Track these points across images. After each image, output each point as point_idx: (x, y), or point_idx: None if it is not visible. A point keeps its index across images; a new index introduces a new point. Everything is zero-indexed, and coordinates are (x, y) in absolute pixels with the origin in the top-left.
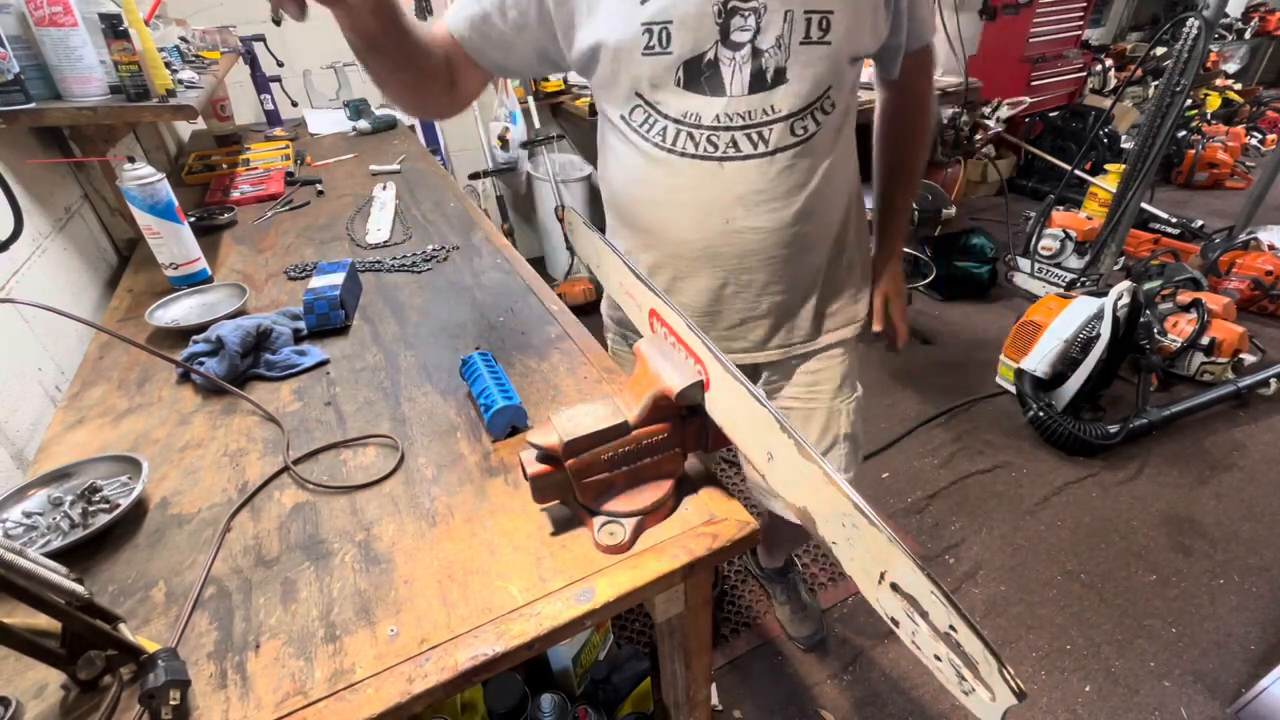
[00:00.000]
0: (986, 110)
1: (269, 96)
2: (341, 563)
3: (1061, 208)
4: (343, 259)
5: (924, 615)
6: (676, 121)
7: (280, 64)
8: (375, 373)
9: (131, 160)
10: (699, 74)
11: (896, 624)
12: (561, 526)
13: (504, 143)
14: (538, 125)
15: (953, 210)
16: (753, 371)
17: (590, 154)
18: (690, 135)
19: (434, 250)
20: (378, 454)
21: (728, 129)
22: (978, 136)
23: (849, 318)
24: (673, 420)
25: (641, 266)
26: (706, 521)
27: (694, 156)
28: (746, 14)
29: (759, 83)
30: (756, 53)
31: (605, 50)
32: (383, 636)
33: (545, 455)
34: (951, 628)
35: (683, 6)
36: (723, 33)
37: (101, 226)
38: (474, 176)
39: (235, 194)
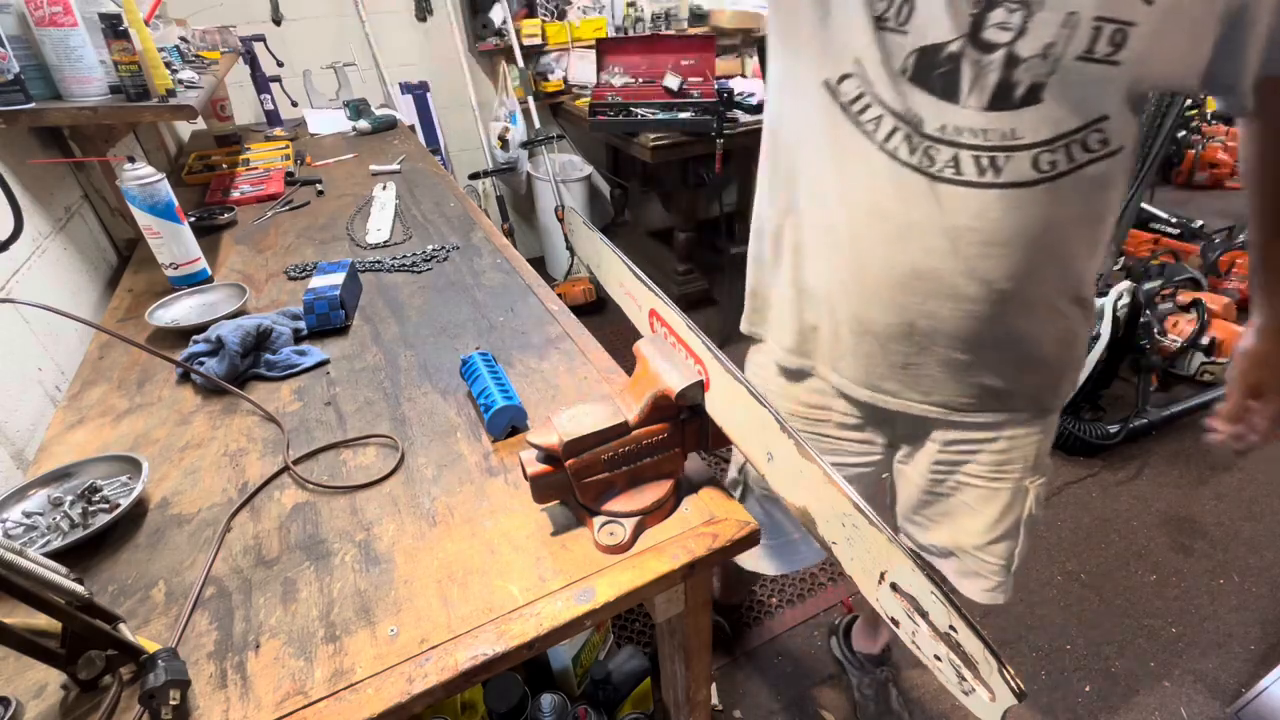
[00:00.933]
0: None
1: (269, 96)
2: (342, 563)
3: None
4: (343, 259)
5: (924, 615)
6: (895, 115)
7: (280, 64)
8: (375, 373)
9: (131, 160)
10: (932, 68)
11: (897, 624)
12: (562, 526)
13: (504, 143)
14: (538, 125)
15: None
16: (918, 425)
17: (590, 154)
18: (907, 138)
19: (434, 250)
20: (378, 454)
21: (952, 144)
22: None
23: (1055, 390)
24: (673, 420)
25: (790, 269)
26: (706, 521)
27: (904, 164)
28: (1013, 7)
29: (1003, 98)
30: (1012, 61)
31: None
32: (383, 636)
33: (545, 455)
34: (951, 628)
35: None
36: (975, 25)
37: (101, 227)
38: (474, 176)
39: (235, 194)
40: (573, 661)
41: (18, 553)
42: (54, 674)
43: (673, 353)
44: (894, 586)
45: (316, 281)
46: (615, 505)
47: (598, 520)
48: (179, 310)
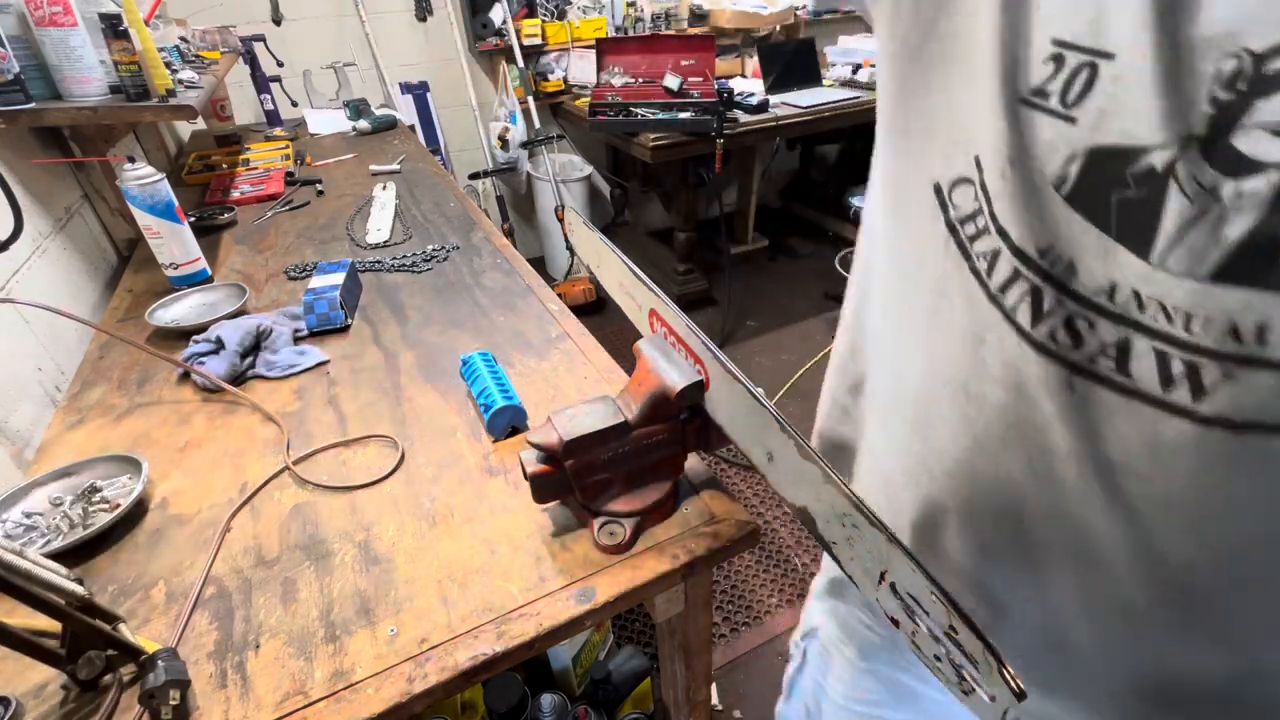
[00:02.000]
0: None
1: (269, 96)
2: (341, 563)
3: None
4: (343, 259)
5: (924, 615)
6: (1025, 260)
7: (280, 64)
8: (375, 373)
9: (132, 160)
10: (1110, 186)
11: (897, 624)
12: (562, 527)
13: (504, 143)
14: (538, 125)
15: None
16: None
17: (590, 154)
18: (1036, 295)
19: (434, 250)
20: (378, 454)
21: (1124, 322)
22: None
23: None
24: (673, 420)
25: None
26: (706, 522)
27: (1026, 336)
28: None
29: (1247, 261)
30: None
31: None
32: (383, 636)
33: (545, 455)
34: (952, 628)
35: (1135, 34)
36: (1217, 125)
37: (101, 227)
38: (474, 176)
39: (235, 194)
40: (573, 661)
41: (17, 553)
42: (54, 674)
43: (673, 353)
44: (893, 587)
45: (316, 281)
46: (615, 505)
47: (598, 520)
48: (179, 310)
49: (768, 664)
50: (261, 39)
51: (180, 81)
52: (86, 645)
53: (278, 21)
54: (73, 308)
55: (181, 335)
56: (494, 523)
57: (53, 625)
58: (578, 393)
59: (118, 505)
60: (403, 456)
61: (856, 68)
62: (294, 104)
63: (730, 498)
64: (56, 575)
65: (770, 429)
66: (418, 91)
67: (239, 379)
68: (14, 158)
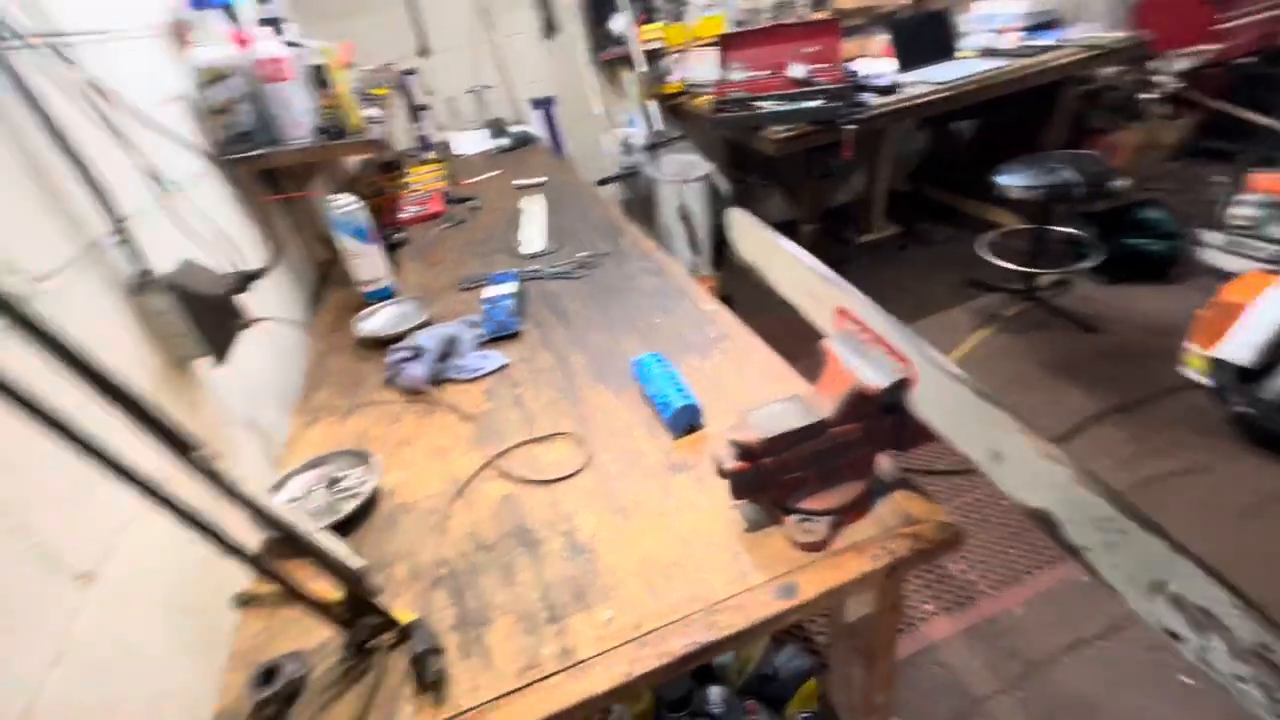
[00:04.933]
0: (1158, 65)
1: (421, 123)
2: (550, 550)
3: (1262, 170)
4: (508, 270)
5: (1221, 631)
6: None
7: (430, 92)
8: (551, 373)
9: (337, 193)
10: None
11: (1176, 638)
12: (754, 523)
13: (627, 147)
14: (659, 127)
15: (1123, 183)
16: None
17: (709, 152)
18: None
19: (586, 257)
20: (566, 449)
21: None
22: (1148, 96)
23: None
24: (868, 419)
25: None
26: (905, 523)
27: None
28: None
29: None
30: None
31: None
32: (600, 620)
33: (742, 452)
34: (1264, 646)
35: None
36: None
37: (305, 251)
38: (602, 183)
39: (403, 215)
40: (733, 657)
41: (314, 532)
42: (329, 635)
43: (868, 350)
44: (1176, 599)
45: (490, 291)
46: (809, 503)
47: (792, 517)
48: (378, 321)
49: (924, 672)
50: (414, 72)
51: (367, 119)
52: (361, 613)
53: (424, 54)
54: (274, 306)
55: (379, 344)
56: (684, 518)
57: (335, 595)
58: (745, 391)
59: (358, 494)
60: (590, 454)
61: (997, 33)
62: (440, 128)
63: (927, 499)
64: (343, 550)
65: (999, 425)
66: (546, 105)
67: (436, 382)
68: (245, 197)
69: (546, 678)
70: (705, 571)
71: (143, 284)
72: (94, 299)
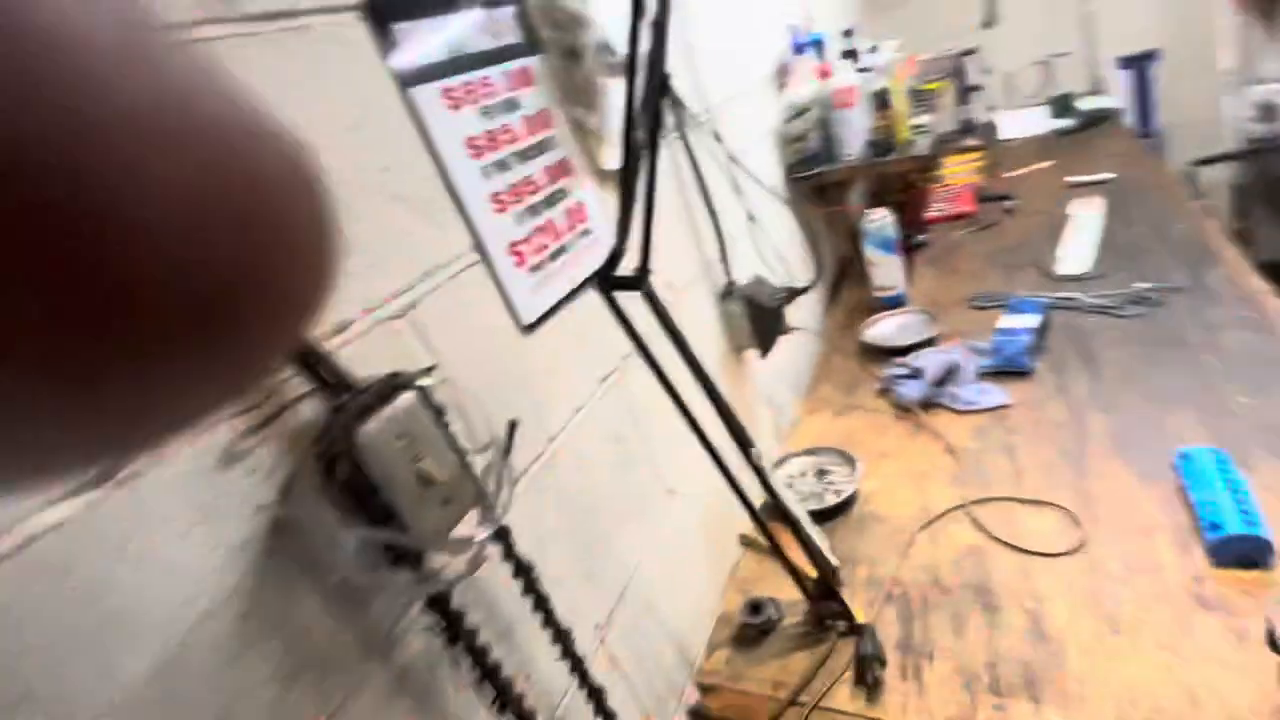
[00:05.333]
0: None
1: (968, 105)
2: (1009, 622)
3: None
4: (1034, 296)
5: None
6: None
7: (987, 71)
8: (1056, 429)
9: (868, 194)
10: None
11: None
12: None
13: (1270, 111)
14: None
15: None
16: None
17: None
18: None
19: (1146, 290)
20: (1054, 523)
21: None
22: None
23: None
24: None
25: None
26: None
27: None
28: None
29: None
30: None
31: None
32: (1048, 718)
33: None
34: None
35: None
36: None
37: (830, 246)
38: (1203, 162)
39: (928, 214)
40: None
41: (805, 520)
42: (798, 599)
43: None
44: None
45: (1008, 321)
46: None
47: None
48: (883, 330)
49: None
50: (973, 52)
51: (914, 129)
52: (827, 596)
53: (989, 24)
54: (806, 319)
55: (881, 352)
56: (1200, 669)
57: (808, 568)
58: None
59: (840, 491)
60: (1084, 540)
61: None
62: (989, 110)
63: None
64: (824, 544)
65: None
66: (1141, 64)
67: (928, 403)
68: (798, 211)
69: None
70: None
71: (727, 293)
72: (701, 302)
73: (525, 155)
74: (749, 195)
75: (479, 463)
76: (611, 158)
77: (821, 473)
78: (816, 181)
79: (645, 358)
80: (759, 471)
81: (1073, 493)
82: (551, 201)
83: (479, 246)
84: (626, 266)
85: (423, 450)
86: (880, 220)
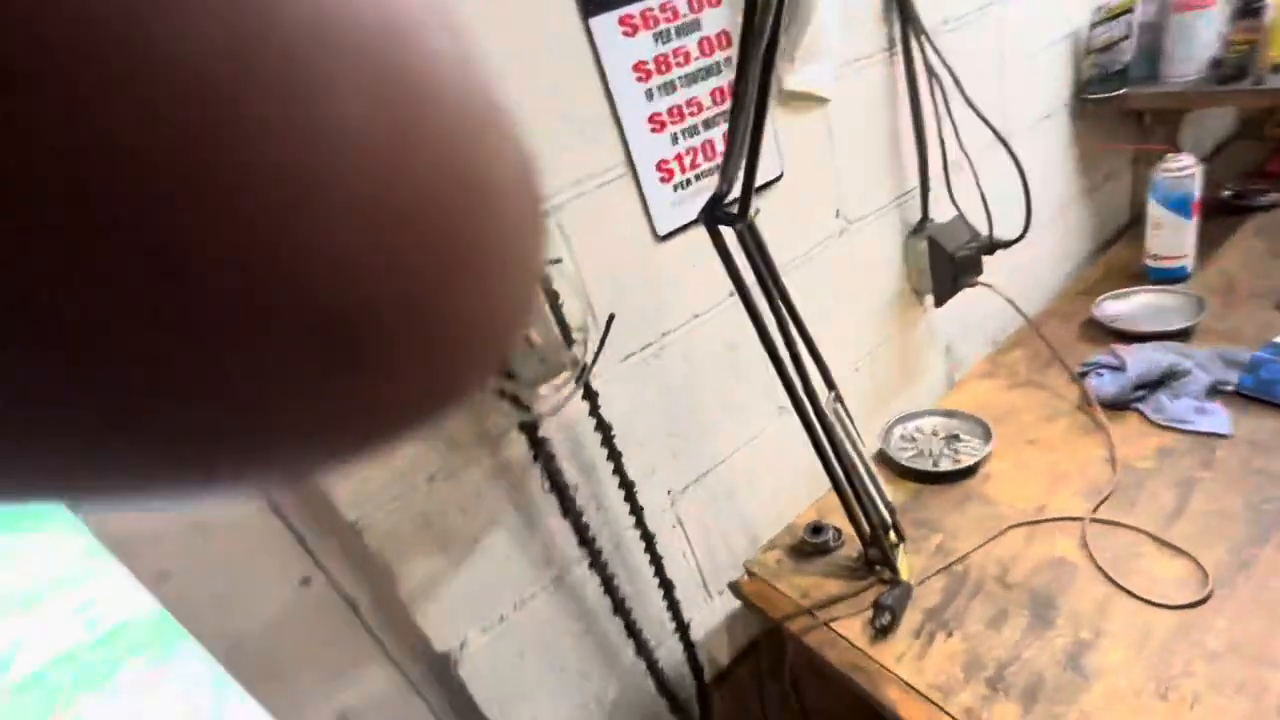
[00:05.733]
0: None
1: None
2: (1050, 639)
3: None
4: None
5: None
6: None
7: None
8: (1263, 484)
9: (1177, 152)
10: None
11: None
12: None
13: None
14: None
15: None
16: None
17: None
18: None
19: None
20: (1180, 575)
21: None
22: None
23: None
24: None
25: None
26: None
27: None
28: None
29: None
30: None
31: None
32: None
33: None
34: None
35: None
36: None
37: (1131, 192)
38: None
39: None
40: None
41: (868, 465)
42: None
43: None
44: None
45: None
46: None
47: None
48: (1125, 307)
49: None
50: None
51: None
52: (877, 543)
53: None
54: (1059, 271)
55: (1108, 333)
56: None
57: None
58: None
59: (959, 460)
60: (1207, 598)
61: None
62: None
63: None
64: (881, 491)
65: None
66: None
67: (1122, 404)
68: (1082, 141)
69: (943, 711)
70: None
71: (916, 230)
72: (882, 235)
73: (694, 78)
74: (1005, 117)
75: (580, 339)
76: (799, 78)
77: (953, 438)
78: (1121, 106)
79: (742, 298)
80: (816, 407)
81: (1224, 554)
82: (712, 123)
83: (629, 162)
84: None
85: (531, 319)
86: (1180, 169)
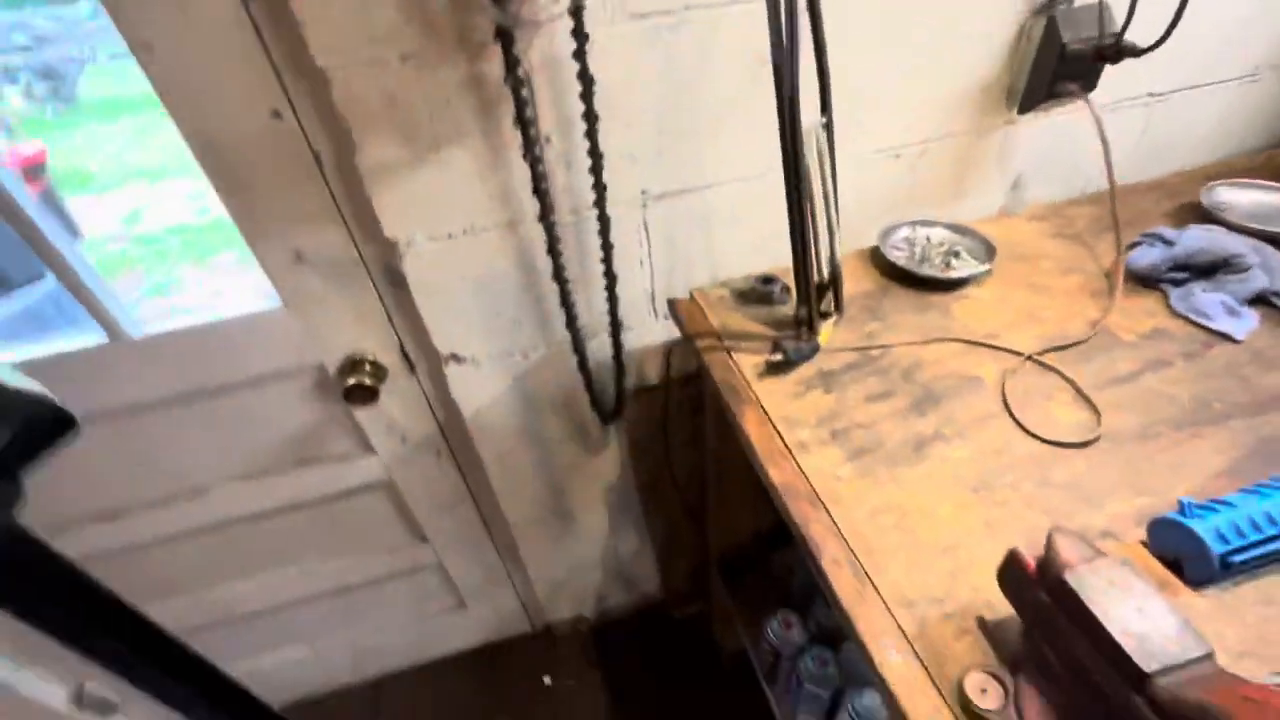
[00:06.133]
0: None
1: None
2: (912, 425)
3: None
4: None
5: None
6: None
7: None
8: (1231, 387)
9: None
10: None
11: None
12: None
13: None
14: None
15: None
16: None
17: None
18: None
19: None
20: (1076, 421)
21: None
22: None
23: None
24: None
25: None
26: None
27: None
28: None
29: None
30: None
31: None
32: (832, 463)
33: (1028, 602)
34: None
35: None
36: None
37: None
38: None
39: None
40: None
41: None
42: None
43: None
44: None
45: None
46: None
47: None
48: (1241, 197)
49: None
50: None
51: None
52: (806, 300)
53: None
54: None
55: (1212, 222)
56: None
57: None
58: None
59: (940, 275)
60: (1075, 445)
61: None
62: None
63: None
64: (834, 251)
65: None
66: None
67: (1151, 281)
68: None
69: (777, 434)
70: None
71: (1042, 6)
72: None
73: None
74: None
75: None
76: None
77: (953, 254)
78: None
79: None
80: (794, 123)
81: (1136, 426)
82: None
83: None
84: None
85: None
86: None
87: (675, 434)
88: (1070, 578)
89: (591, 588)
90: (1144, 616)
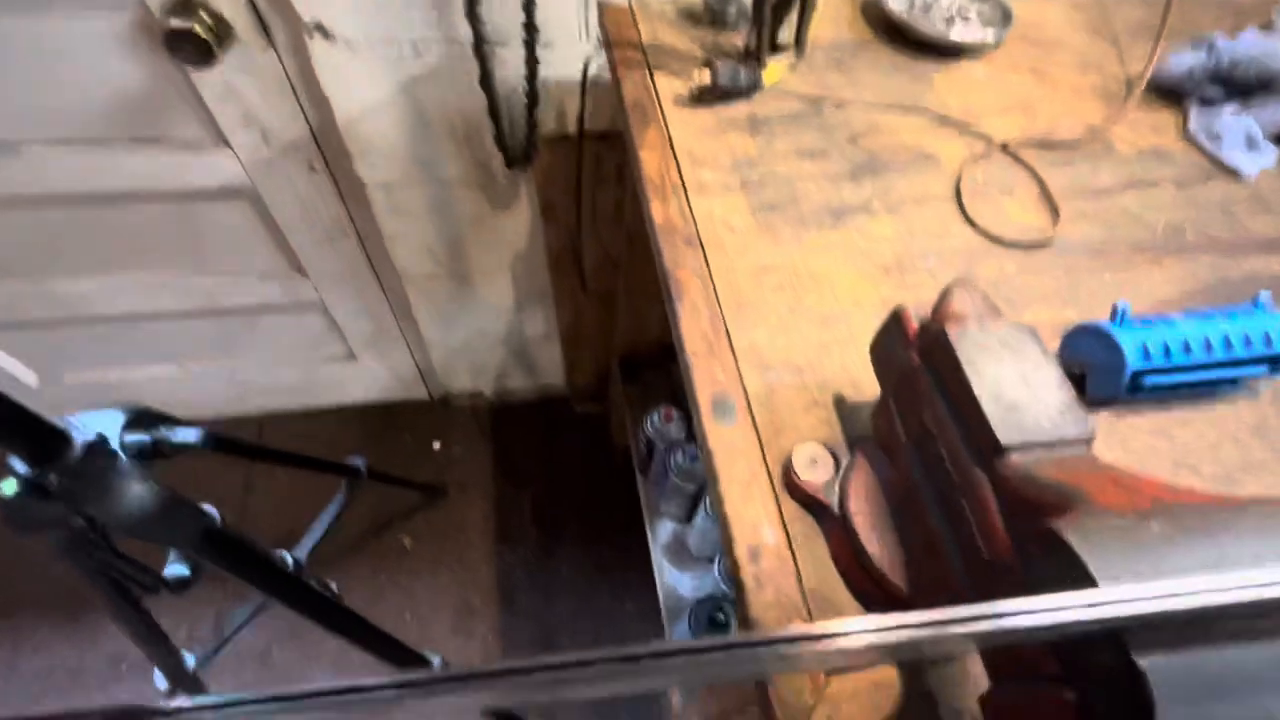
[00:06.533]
0: None
1: None
2: (838, 190)
3: None
4: None
5: None
6: None
7: None
8: (1226, 221)
9: None
10: None
11: None
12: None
13: None
14: None
15: None
16: None
17: None
18: None
19: None
20: (1030, 224)
21: None
22: None
23: None
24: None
25: None
26: None
27: None
28: None
29: None
30: None
31: None
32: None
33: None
34: None
35: None
36: None
37: None
38: None
39: None
40: None
41: None
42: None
43: None
44: None
45: None
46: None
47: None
48: None
49: None
50: None
51: None
52: (759, 28)
53: None
54: None
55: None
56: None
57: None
58: None
59: (949, 32)
60: (1017, 245)
61: None
62: None
63: None
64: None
65: None
66: None
67: (1175, 92)
68: None
69: (676, 170)
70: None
71: None
72: None
73: None
74: None
75: None
76: None
77: (963, 17)
78: None
79: None
80: None
81: (1097, 240)
82: None
83: None
84: None
85: None
86: None
87: (594, 203)
88: (953, 331)
89: (492, 365)
90: (1025, 385)
